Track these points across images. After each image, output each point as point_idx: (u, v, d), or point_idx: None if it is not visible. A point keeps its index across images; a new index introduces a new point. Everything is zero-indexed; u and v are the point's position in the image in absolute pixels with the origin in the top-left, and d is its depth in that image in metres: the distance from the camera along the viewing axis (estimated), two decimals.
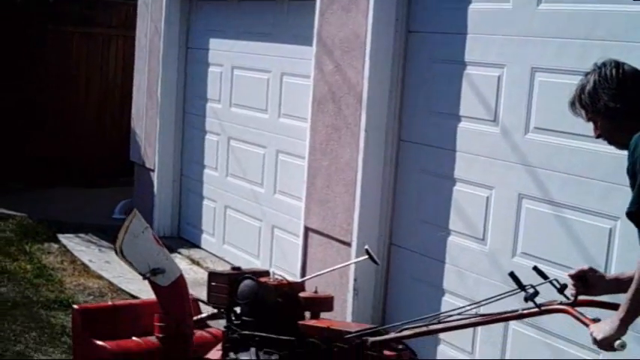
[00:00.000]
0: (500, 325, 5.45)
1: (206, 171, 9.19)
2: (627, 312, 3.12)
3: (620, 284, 3.60)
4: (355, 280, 6.39)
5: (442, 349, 5.99)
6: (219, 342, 4.90)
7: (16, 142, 11.95)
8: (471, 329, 5.66)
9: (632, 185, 3.17)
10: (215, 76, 8.96)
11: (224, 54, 8.81)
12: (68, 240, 9.37)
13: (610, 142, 3.44)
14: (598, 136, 3.42)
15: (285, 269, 7.35)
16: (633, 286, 3.13)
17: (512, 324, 5.40)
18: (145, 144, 10.01)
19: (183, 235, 9.61)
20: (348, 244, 6.46)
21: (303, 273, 6.95)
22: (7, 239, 9.15)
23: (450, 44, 5.85)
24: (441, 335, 5.93)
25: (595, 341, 3.21)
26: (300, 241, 7.11)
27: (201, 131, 9.24)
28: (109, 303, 6.19)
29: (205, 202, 9.20)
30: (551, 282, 3.63)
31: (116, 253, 4.85)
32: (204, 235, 9.20)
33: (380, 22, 6.21)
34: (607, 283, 3.62)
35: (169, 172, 9.70)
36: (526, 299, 3.48)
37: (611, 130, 3.34)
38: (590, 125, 3.46)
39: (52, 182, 11.84)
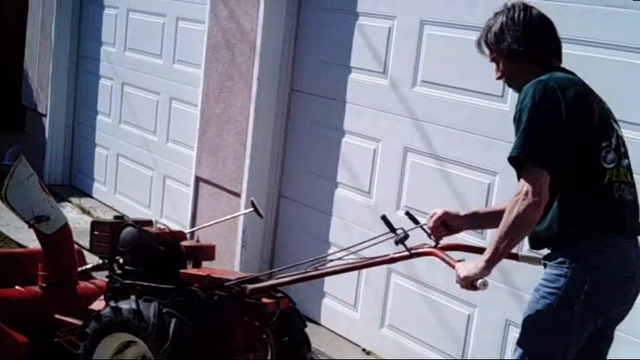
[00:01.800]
0: (383, 278, 5.64)
1: (99, 117, 9.12)
2: (493, 253, 3.26)
3: (477, 218, 3.88)
4: (244, 231, 6.47)
5: (326, 302, 6.14)
6: (102, 292, 4.97)
7: None
8: (354, 283, 5.84)
9: (516, 132, 3.30)
10: (110, 19, 8.87)
11: None
12: None
13: (510, 85, 3.58)
14: (499, 78, 3.54)
15: (176, 220, 7.42)
16: (500, 230, 3.28)
17: (394, 277, 5.57)
18: (37, 87, 9.86)
19: (74, 184, 9.54)
20: (238, 195, 6.53)
21: (193, 223, 7.01)
22: None
23: None
24: (326, 288, 6.10)
25: (458, 279, 3.35)
26: (190, 191, 7.15)
27: (95, 76, 9.15)
28: None
29: (98, 149, 9.14)
30: (421, 227, 3.80)
31: (0, 199, 4.87)
32: (95, 184, 9.16)
33: None
34: (463, 219, 3.83)
35: (62, 118, 9.59)
36: (396, 242, 3.62)
37: (512, 72, 3.46)
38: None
39: None
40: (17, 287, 5.04)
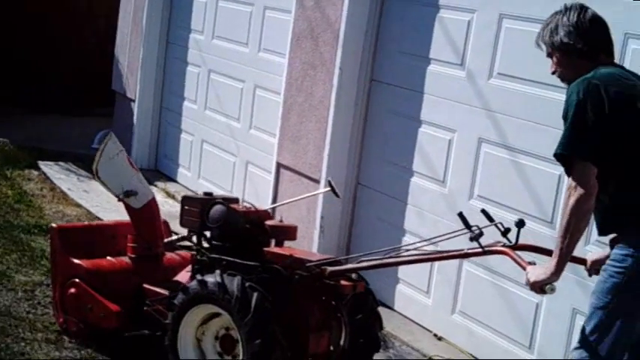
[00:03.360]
0: (455, 266, 5.91)
1: (185, 103, 9.56)
2: (559, 256, 3.62)
3: None
4: (322, 217, 6.82)
5: (400, 288, 6.43)
6: (187, 264, 5.36)
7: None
8: (427, 270, 6.12)
9: (564, 129, 3.63)
10: (200, 7, 9.29)
11: None
12: (48, 167, 9.77)
13: (562, 79, 3.91)
14: (553, 72, 3.90)
15: (256, 205, 7.77)
16: (560, 229, 3.64)
17: (466, 265, 5.84)
18: (127, 73, 10.37)
19: (160, 168, 9.99)
20: (317, 181, 6.88)
21: (273, 209, 7.36)
22: None
23: None
24: (400, 274, 6.39)
25: (528, 283, 3.70)
26: (271, 177, 7.52)
27: (183, 62, 9.59)
28: (86, 223, 6.57)
29: (183, 135, 9.58)
30: (495, 225, 4.08)
31: (92, 174, 5.29)
32: (180, 169, 9.60)
33: None
34: None
35: (149, 103, 10.06)
36: (471, 239, 3.95)
37: (565, 65, 3.82)
38: (549, 74, 3.92)
39: (36, 110, 12.23)
40: (108, 258, 5.45)
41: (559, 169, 5.13)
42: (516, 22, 5.53)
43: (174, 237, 5.70)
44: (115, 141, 5.30)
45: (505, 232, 3.99)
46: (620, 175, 3.61)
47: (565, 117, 3.66)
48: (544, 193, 5.27)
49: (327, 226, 6.82)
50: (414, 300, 6.32)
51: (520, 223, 3.89)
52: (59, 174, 9.60)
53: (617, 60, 4.10)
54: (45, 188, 8.99)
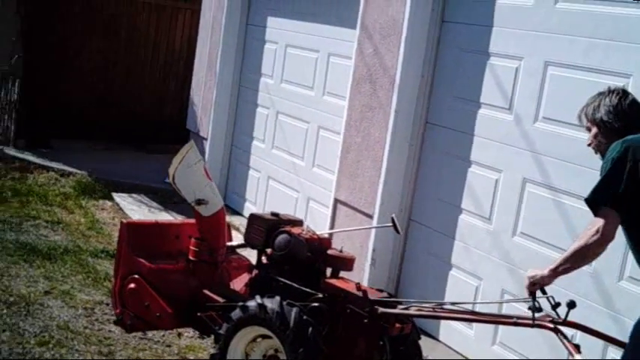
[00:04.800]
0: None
1: (254, 142, 9.80)
2: (559, 264, 3.85)
3: None
4: (374, 250, 6.96)
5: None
6: (244, 271, 5.47)
7: (85, 104, 12.75)
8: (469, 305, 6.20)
9: (600, 180, 3.88)
10: (270, 53, 9.57)
11: (280, 32, 9.41)
12: (121, 199, 10.07)
13: (596, 151, 4.16)
14: (589, 144, 4.17)
15: None
16: (567, 253, 3.84)
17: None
18: (201, 113, 10.67)
19: (228, 203, 10.16)
20: (371, 217, 7.02)
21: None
22: (66, 194, 9.89)
23: (478, 35, 6.37)
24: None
25: (526, 277, 3.98)
26: (329, 212, 7.69)
27: (253, 104, 9.85)
28: (153, 220, 6.69)
29: (251, 172, 9.82)
30: (547, 298, 4.11)
31: (168, 178, 5.38)
32: (247, 204, 9.82)
33: (417, 11, 6.75)
34: None
35: (221, 142, 10.35)
36: (529, 308, 4.03)
37: (601, 139, 4.08)
38: None
39: (115, 145, 12.62)
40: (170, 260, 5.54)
41: None
42: (560, 69, 5.65)
43: (235, 243, 5.78)
44: (196, 150, 5.36)
45: (555, 306, 4.03)
46: None
47: (602, 171, 3.88)
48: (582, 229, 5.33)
49: (379, 258, 6.95)
50: (458, 331, 6.39)
51: (571, 304, 3.96)
52: (132, 205, 9.88)
53: None
54: (116, 217, 9.25)
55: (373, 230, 6.88)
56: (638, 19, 5.14)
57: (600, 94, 4.14)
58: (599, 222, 3.75)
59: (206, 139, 10.41)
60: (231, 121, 10.33)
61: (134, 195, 10.31)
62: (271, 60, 9.53)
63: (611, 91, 4.11)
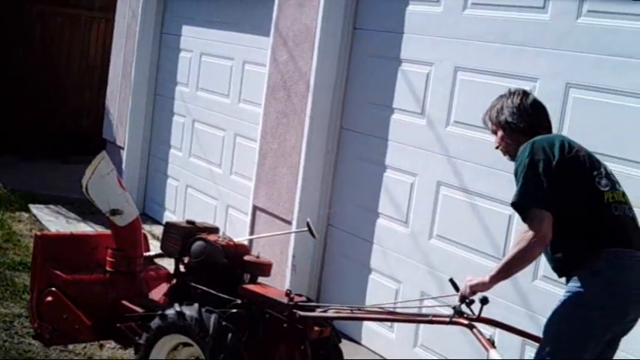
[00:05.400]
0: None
1: (172, 151, 9.69)
2: (500, 270, 3.86)
3: None
4: (294, 256, 6.93)
5: (366, 323, 6.50)
6: (162, 281, 5.38)
7: None
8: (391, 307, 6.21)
9: (517, 184, 3.88)
10: (185, 61, 9.47)
11: (194, 40, 9.32)
12: (38, 210, 9.84)
13: (504, 153, 4.20)
14: (496, 147, 4.21)
15: None
16: (505, 259, 3.85)
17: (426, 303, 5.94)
18: (117, 123, 10.51)
19: (147, 212, 10.07)
20: (290, 223, 6.98)
21: (250, 248, 7.46)
22: None
23: (389, 42, 6.39)
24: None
25: (465, 286, 3.97)
26: (248, 219, 7.63)
27: (170, 113, 9.74)
28: (69, 232, 6.52)
29: (169, 180, 9.70)
30: (464, 299, 4.10)
31: (81, 189, 5.26)
32: (166, 212, 9.70)
33: (329, 19, 6.73)
34: None
35: (138, 151, 10.20)
36: (454, 308, 4.00)
37: (507, 141, 4.12)
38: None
39: (30, 156, 12.34)
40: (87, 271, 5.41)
41: (510, 210, 5.26)
42: (470, 74, 5.70)
43: (152, 253, 5.69)
44: (108, 161, 5.25)
45: (469, 304, 4.01)
46: (575, 215, 3.78)
47: (517, 173, 3.88)
48: (496, 231, 5.40)
49: (299, 264, 6.92)
50: (379, 334, 6.40)
51: (484, 300, 3.92)
52: (49, 216, 9.66)
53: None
54: (34, 229, 9.01)
55: (293, 236, 6.85)
56: (544, 24, 5.21)
57: (502, 96, 4.18)
58: (534, 223, 3.74)
59: (123, 149, 10.25)
60: (147, 130, 10.20)
61: (51, 206, 10.09)
62: (186, 68, 9.44)
63: (512, 93, 4.15)
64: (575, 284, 3.72)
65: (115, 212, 5.22)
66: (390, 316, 4.66)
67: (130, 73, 10.13)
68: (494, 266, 3.95)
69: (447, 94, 5.85)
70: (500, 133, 4.13)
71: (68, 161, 12.35)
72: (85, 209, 9.78)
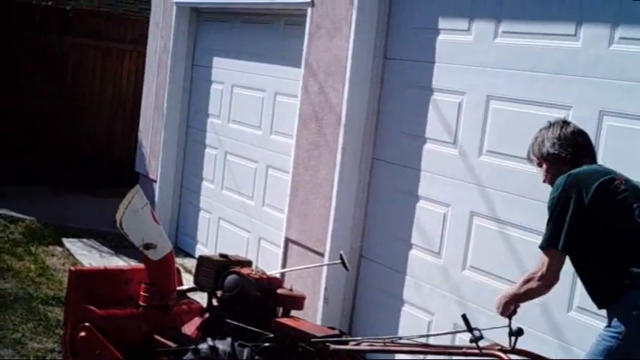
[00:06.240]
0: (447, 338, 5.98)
1: (204, 183, 9.76)
2: (507, 302, 4.06)
3: None
4: (326, 288, 6.94)
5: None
6: (195, 315, 5.43)
7: (31, 148, 12.62)
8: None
9: (548, 220, 3.96)
10: (217, 93, 9.56)
11: (225, 72, 9.41)
12: (72, 244, 9.94)
13: (552, 185, 4.15)
14: (544, 180, 4.24)
15: None
16: (511, 290, 4.08)
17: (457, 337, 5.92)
18: (149, 155, 10.62)
19: (179, 245, 10.12)
20: (322, 255, 7.01)
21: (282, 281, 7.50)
22: (16, 240, 9.75)
23: (420, 71, 6.42)
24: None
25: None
26: (280, 251, 7.66)
27: (202, 145, 9.83)
28: (102, 267, 6.62)
29: (201, 213, 9.77)
30: (470, 330, 4.09)
31: (115, 224, 5.34)
32: (198, 245, 9.76)
33: (360, 49, 6.79)
34: None
35: (170, 184, 10.29)
36: (471, 340, 3.99)
37: (552, 172, 4.15)
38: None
39: (61, 188, 12.48)
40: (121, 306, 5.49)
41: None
42: (502, 103, 5.71)
43: (186, 287, 5.74)
44: (142, 195, 5.30)
45: (478, 339, 3.98)
46: (606, 252, 3.84)
47: (549, 208, 3.95)
48: (529, 261, 5.36)
49: (331, 296, 6.93)
50: None
51: (519, 332, 3.96)
52: (82, 250, 9.75)
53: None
54: (67, 263, 9.11)
55: (325, 268, 6.87)
56: (575, 52, 5.22)
57: (542, 129, 4.23)
58: (545, 265, 3.90)
59: (155, 182, 10.35)
60: (180, 163, 10.29)
61: (84, 240, 10.19)
62: (218, 100, 9.53)
63: (552, 124, 4.20)
64: (614, 319, 3.76)
65: (148, 246, 5.27)
66: (422, 349, 4.64)
67: (162, 105, 10.24)
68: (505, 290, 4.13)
69: (479, 123, 5.86)
70: (544, 165, 4.19)
71: (97, 194, 12.47)
72: (118, 242, 9.86)
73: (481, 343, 3.92)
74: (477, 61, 5.92)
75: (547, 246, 3.90)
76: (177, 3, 9.97)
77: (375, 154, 6.85)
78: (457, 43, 6.12)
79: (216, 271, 5.25)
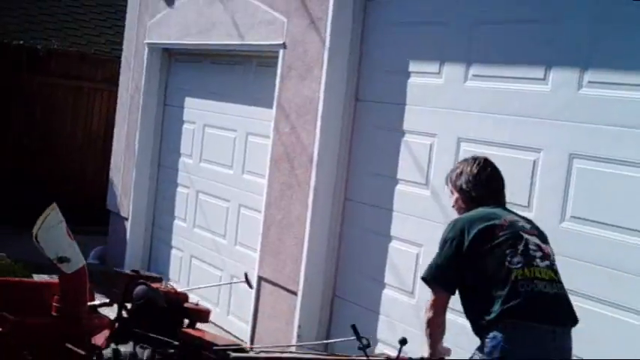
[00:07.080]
0: None
1: (176, 222, 9.72)
2: (431, 350, 4.29)
3: None
4: (299, 327, 6.91)
5: None
6: (105, 327, 5.46)
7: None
8: None
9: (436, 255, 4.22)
10: (188, 133, 9.54)
11: (197, 112, 9.40)
12: (41, 279, 9.82)
13: (459, 213, 4.39)
14: (453, 206, 4.46)
15: (240, 315, 7.89)
16: (427, 339, 4.30)
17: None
18: (121, 193, 10.55)
19: None
20: (295, 293, 6.98)
21: (255, 319, 7.48)
22: None
23: (391, 113, 6.46)
24: None
25: None
26: (253, 290, 7.61)
27: (173, 184, 9.79)
28: (17, 279, 6.67)
29: (173, 251, 9.71)
30: (360, 339, 4.18)
31: (32, 237, 5.40)
32: (170, 283, 9.67)
33: (331, 90, 6.83)
34: None
35: (142, 221, 10.22)
36: (359, 348, 4.13)
37: (459, 204, 4.38)
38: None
39: (30, 225, 12.33)
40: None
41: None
42: (473, 145, 5.74)
43: (97, 302, 5.80)
44: (57, 212, 5.35)
45: (366, 347, 4.14)
46: (481, 289, 4.01)
47: (439, 244, 4.20)
48: None
49: (305, 335, 6.89)
50: None
51: (403, 342, 4.10)
52: None
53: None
54: None
55: (298, 307, 6.85)
56: (544, 95, 5.28)
57: (465, 160, 4.42)
58: (429, 301, 4.21)
59: (127, 219, 10.28)
60: (151, 201, 10.24)
61: (54, 275, 10.00)
62: (190, 140, 9.51)
63: (474, 160, 4.37)
64: (479, 353, 4.01)
65: (62, 260, 5.29)
66: (315, 356, 4.86)
67: (133, 144, 10.20)
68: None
69: (450, 164, 5.84)
70: (455, 195, 4.36)
71: (72, 232, 12.31)
72: (91, 278, 9.76)
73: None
74: (448, 103, 5.96)
75: (429, 281, 4.19)
76: (148, 44, 9.96)
77: (348, 195, 6.86)
78: (428, 85, 6.16)
79: (127, 283, 5.31)
